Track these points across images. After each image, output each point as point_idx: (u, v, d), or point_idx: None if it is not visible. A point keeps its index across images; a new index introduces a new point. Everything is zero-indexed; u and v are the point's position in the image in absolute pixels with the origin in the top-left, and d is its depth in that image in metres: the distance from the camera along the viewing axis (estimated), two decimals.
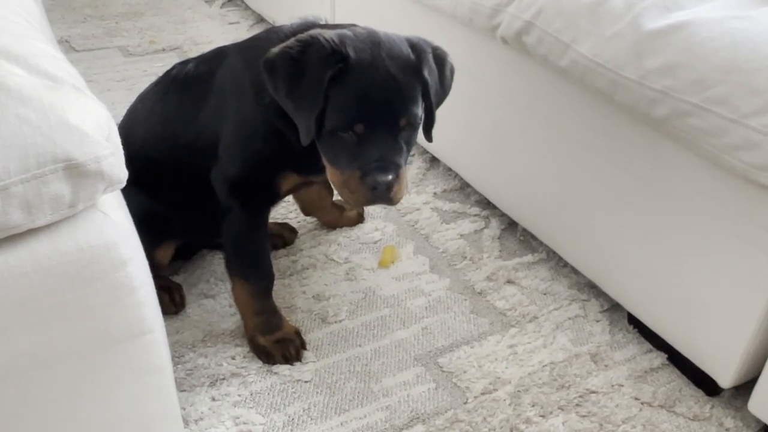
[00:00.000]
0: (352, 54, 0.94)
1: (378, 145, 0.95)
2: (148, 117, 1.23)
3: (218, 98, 1.13)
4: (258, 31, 1.19)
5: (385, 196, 0.97)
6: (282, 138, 1.07)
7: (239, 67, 1.11)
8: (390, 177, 0.95)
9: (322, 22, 1.10)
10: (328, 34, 0.97)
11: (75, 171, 0.67)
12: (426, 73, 0.99)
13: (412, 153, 1.18)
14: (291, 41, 0.98)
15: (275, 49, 0.98)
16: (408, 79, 0.97)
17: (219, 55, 1.18)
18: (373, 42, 0.97)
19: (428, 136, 1.08)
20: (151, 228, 1.05)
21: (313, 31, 0.99)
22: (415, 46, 1.00)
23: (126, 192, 0.80)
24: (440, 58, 1.05)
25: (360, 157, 0.95)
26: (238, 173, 1.11)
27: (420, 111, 1.00)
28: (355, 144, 0.95)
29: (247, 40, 1.16)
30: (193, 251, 1.42)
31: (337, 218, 1.52)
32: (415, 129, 1.01)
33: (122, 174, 0.72)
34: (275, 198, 1.18)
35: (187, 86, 1.18)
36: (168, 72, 1.23)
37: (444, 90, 1.07)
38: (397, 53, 0.97)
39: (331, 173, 1.02)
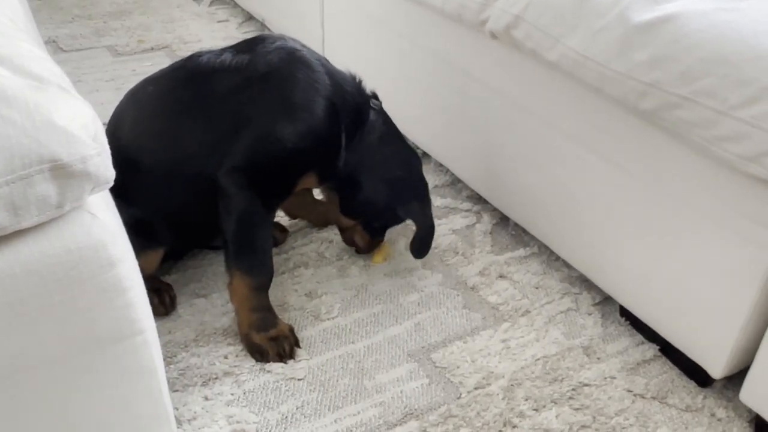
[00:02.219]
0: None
1: None
2: (158, 100, 1.21)
3: (262, 90, 1.16)
4: (261, 33, 1.23)
5: None
6: (321, 145, 1.20)
7: (299, 75, 1.18)
8: None
9: (359, 78, 1.31)
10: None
11: (61, 171, 0.66)
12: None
13: None
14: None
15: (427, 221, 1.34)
16: None
17: (265, 50, 1.20)
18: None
19: None
20: (135, 234, 1.05)
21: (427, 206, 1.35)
22: None
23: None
24: None
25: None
26: (264, 164, 1.15)
27: None
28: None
29: (304, 51, 1.23)
30: (185, 251, 1.42)
31: (324, 215, 1.52)
32: None
33: (110, 174, 0.71)
34: (289, 194, 1.23)
35: (222, 74, 1.18)
36: (193, 58, 1.22)
37: None
38: None
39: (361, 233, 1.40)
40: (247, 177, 1.14)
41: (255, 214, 1.16)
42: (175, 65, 1.24)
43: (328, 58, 1.29)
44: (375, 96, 1.34)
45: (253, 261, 1.18)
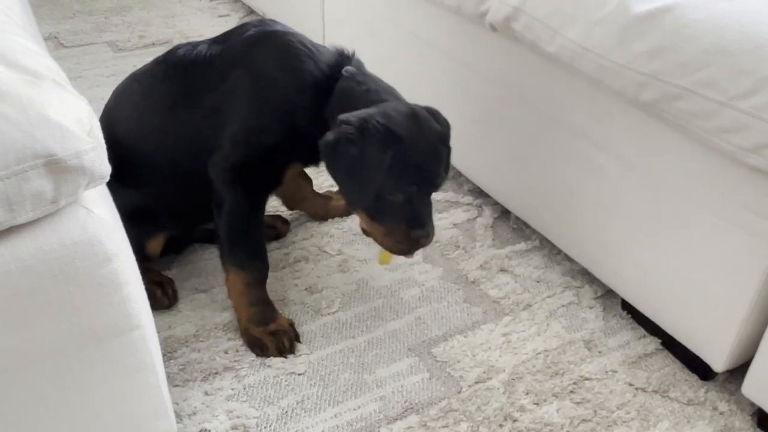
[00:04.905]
0: (403, 134, 1.06)
1: (419, 204, 1.10)
2: (143, 98, 1.22)
3: (239, 84, 1.14)
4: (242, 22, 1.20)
5: (424, 245, 1.12)
6: (303, 135, 1.14)
7: (279, 63, 1.15)
8: (431, 232, 1.12)
9: (353, 54, 1.22)
10: (378, 117, 1.06)
11: (56, 167, 0.66)
12: (450, 142, 1.15)
13: None
14: (346, 126, 1.06)
15: (332, 134, 1.07)
16: (442, 148, 1.13)
17: (238, 39, 1.18)
18: (415, 119, 1.10)
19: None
20: (140, 220, 1.06)
21: (363, 115, 1.07)
22: (439, 120, 1.15)
23: (110, 185, 0.79)
24: (447, 124, 1.17)
25: (406, 215, 1.10)
26: (247, 161, 1.14)
27: None
28: (401, 204, 1.09)
29: (282, 37, 1.17)
30: (185, 245, 1.42)
31: (323, 208, 1.52)
32: None
33: (105, 169, 0.71)
34: (277, 185, 1.22)
35: (197, 68, 1.18)
36: (172, 52, 1.22)
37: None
38: (433, 128, 1.12)
39: (372, 225, 1.13)
40: (232, 172, 1.14)
41: (242, 208, 1.16)
42: (157, 60, 1.24)
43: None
44: (351, 59, 1.20)
45: (246, 256, 1.18)
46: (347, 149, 1.05)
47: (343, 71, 1.17)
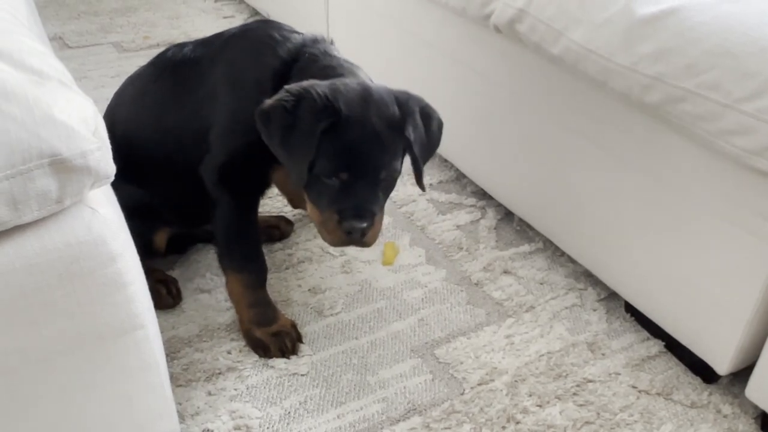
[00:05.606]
0: (343, 109, 0.99)
1: (357, 193, 1.01)
2: (137, 100, 1.23)
3: (216, 84, 1.14)
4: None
5: (358, 240, 1.03)
6: None
7: (245, 59, 1.13)
8: (364, 224, 1.01)
9: (329, 42, 1.16)
10: (321, 87, 1.00)
11: (61, 166, 0.66)
12: (409, 132, 1.04)
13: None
14: (284, 94, 1.00)
15: (270, 101, 1.01)
16: (392, 136, 1.02)
17: (220, 40, 1.18)
18: (364, 98, 1.02)
19: (421, 185, 1.11)
20: (144, 216, 1.06)
21: (307, 84, 1.01)
22: (402, 105, 1.05)
23: (113, 182, 0.80)
24: (427, 116, 1.09)
25: (340, 202, 1.02)
26: (229, 161, 1.13)
27: (400, 165, 1.07)
28: (337, 190, 1.02)
29: (253, 32, 1.16)
30: (189, 245, 1.42)
31: None
32: (394, 180, 1.08)
33: (110, 169, 0.72)
34: (264, 187, 1.20)
35: (183, 69, 1.18)
36: (163, 54, 1.23)
37: (431, 145, 1.11)
38: (384, 111, 1.02)
39: (312, 211, 1.08)
40: (218, 173, 1.14)
41: (234, 211, 1.16)
42: (150, 62, 1.25)
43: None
44: (319, 42, 1.15)
45: (242, 258, 1.18)
46: (281, 118, 0.99)
47: (306, 54, 1.11)
